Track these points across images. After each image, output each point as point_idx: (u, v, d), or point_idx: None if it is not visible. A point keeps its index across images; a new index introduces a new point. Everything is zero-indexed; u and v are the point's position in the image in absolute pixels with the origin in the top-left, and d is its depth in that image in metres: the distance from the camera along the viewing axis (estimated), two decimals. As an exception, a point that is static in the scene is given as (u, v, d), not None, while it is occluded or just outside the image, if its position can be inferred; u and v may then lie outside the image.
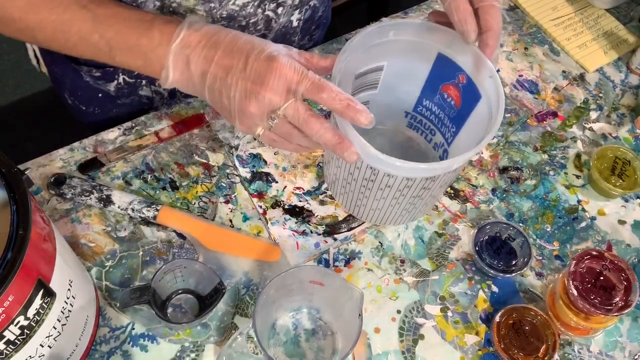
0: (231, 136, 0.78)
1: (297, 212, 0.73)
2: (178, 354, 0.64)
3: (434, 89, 0.70)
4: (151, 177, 0.74)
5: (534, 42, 0.92)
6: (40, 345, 0.49)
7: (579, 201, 0.78)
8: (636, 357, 0.67)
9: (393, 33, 0.65)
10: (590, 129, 0.84)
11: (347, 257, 0.71)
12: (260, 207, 0.73)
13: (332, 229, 0.73)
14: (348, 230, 0.73)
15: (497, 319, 0.66)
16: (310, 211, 0.74)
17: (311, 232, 0.72)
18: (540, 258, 0.73)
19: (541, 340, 0.65)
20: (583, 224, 0.76)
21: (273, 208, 0.73)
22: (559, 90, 0.88)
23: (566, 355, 0.67)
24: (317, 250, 0.71)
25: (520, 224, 0.75)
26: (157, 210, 0.69)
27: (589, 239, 0.75)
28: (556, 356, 0.64)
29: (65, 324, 0.51)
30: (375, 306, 0.68)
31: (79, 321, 0.55)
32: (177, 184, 0.74)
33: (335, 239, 0.72)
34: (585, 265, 0.63)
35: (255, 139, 0.78)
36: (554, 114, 0.85)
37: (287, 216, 0.73)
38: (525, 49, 0.91)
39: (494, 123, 0.59)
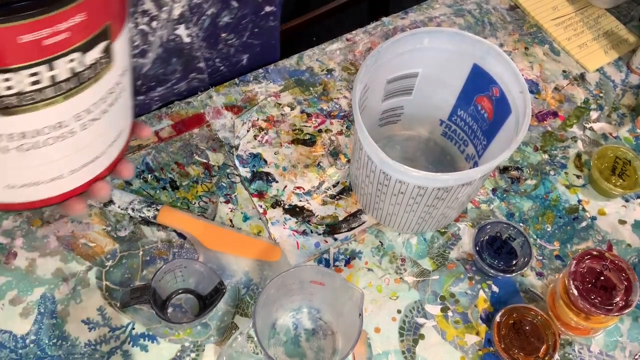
0: (231, 136, 0.78)
1: (297, 212, 0.73)
2: (178, 354, 0.64)
3: (469, 100, 0.70)
4: (151, 176, 0.74)
5: (534, 41, 0.92)
6: (78, 116, 0.41)
7: (579, 201, 0.78)
8: (637, 357, 0.67)
9: (428, 41, 0.65)
10: (591, 129, 0.84)
11: (348, 256, 0.71)
12: (261, 206, 0.73)
13: (332, 228, 0.73)
14: (348, 230, 0.73)
15: (497, 318, 0.66)
16: (311, 211, 0.74)
17: (311, 231, 0.72)
18: (541, 258, 0.73)
19: (541, 340, 0.65)
20: (583, 224, 0.76)
21: (273, 208, 0.73)
22: (559, 90, 0.88)
23: (566, 355, 0.67)
24: (318, 250, 0.71)
25: (521, 224, 0.75)
26: (157, 210, 0.69)
27: (590, 238, 0.75)
28: (556, 356, 0.64)
29: (106, 112, 0.43)
30: (376, 306, 0.68)
31: (114, 126, 0.46)
32: (177, 184, 0.74)
33: (335, 239, 0.72)
34: (585, 265, 0.63)
35: (255, 138, 0.78)
36: (555, 114, 0.85)
37: (287, 216, 0.73)
38: (526, 48, 0.91)
39: (512, 142, 0.59)
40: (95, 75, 0.39)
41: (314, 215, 0.73)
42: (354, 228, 0.73)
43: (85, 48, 0.37)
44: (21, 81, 0.35)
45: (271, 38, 0.84)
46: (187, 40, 0.72)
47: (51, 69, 0.36)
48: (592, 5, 0.98)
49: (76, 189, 0.45)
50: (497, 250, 0.71)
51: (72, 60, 0.36)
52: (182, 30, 0.71)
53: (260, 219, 0.73)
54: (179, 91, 0.81)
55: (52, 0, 0.33)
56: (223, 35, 0.76)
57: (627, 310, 0.60)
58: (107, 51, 0.39)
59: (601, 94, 0.88)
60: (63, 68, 0.36)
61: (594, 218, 0.76)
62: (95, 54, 0.38)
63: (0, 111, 0.36)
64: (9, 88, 0.35)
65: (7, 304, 0.65)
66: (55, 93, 0.37)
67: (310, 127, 0.80)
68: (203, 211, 0.72)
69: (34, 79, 0.35)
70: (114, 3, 0.39)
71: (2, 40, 0.33)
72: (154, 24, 0.68)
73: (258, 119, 0.80)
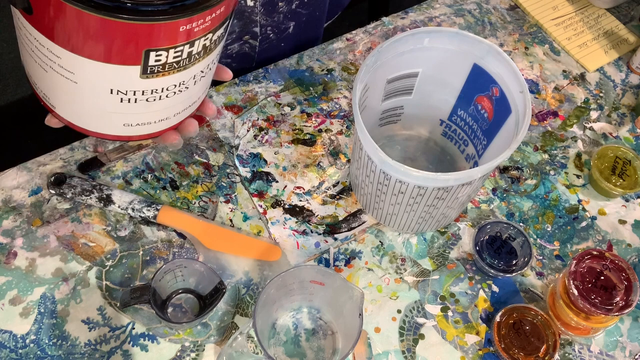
0: (231, 136, 0.78)
1: (297, 212, 0.73)
2: (178, 354, 0.64)
3: (469, 100, 0.70)
4: (151, 176, 0.74)
5: (534, 41, 0.92)
6: (194, 77, 0.49)
7: (579, 201, 0.78)
8: (637, 356, 0.67)
9: (428, 40, 0.65)
10: (591, 129, 0.84)
11: (348, 256, 0.71)
12: (261, 206, 0.73)
13: (332, 228, 0.73)
14: (348, 230, 0.73)
15: (497, 318, 0.66)
16: (311, 211, 0.74)
17: (311, 231, 0.72)
18: (541, 258, 0.73)
19: (542, 340, 0.65)
20: (583, 224, 0.76)
21: (273, 208, 0.73)
22: (559, 90, 0.88)
23: (567, 355, 0.67)
24: (318, 249, 0.71)
25: (521, 224, 0.75)
26: (157, 209, 0.69)
27: (590, 238, 0.75)
28: (557, 356, 0.64)
29: (210, 69, 0.52)
30: (376, 306, 0.68)
31: (200, 90, 0.55)
32: (178, 184, 0.74)
33: (335, 239, 0.72)
34: (585, 265, 0.63)
35: (255, 138, 0.78)
36: (555, 114, 0.85)
37: (288, 216, 0.73)
38: (526, 48, 0.91)
39: (512, 142, 0.59)
40: (215, 46, 0.48)
41: (314, 215, 0.73)
42: (354, 228, 0.73)
43: (216, 29, 0.46)
44: (168, 56, 0.44)
45: (317, 9, 0.88)
46: (250, 3, 0.76)
47: (191, 46, 0.45)
48: (592, 5, 0.98)
49: (173, 126, 0.55)
50: (497, 250, 0.71)
51: (206, 39, 0.45)
52: None
53: (260, 218, 0.73)
54: (230, 53, 0.83)
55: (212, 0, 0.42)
56: (280, 4, 0.80)
57: (627, 310, 0.60)
58: (227, 27, 0.48)
59: (601, 94, 0.88)
60: (199, 45, 0.45)
61: (594, 218, 0.76)
62: (220, 32, 0.47)
63: (143, 75, 0.45)
64: (157, 60, 0.44)
65: (7, 304, 0.65)
66: (187, 63, 0.46)
67: (310, 127, 0.80)
68: (203, 211, 0.72)
69: (177, 54, 0.44)
70: None
71: (168, 29, 0.42)
72: None
73: (258, 118, 0.80)
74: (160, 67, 0.45)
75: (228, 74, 0.60)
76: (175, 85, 0.49)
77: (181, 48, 0.44)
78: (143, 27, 0.41)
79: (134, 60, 0.44)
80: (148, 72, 0.45)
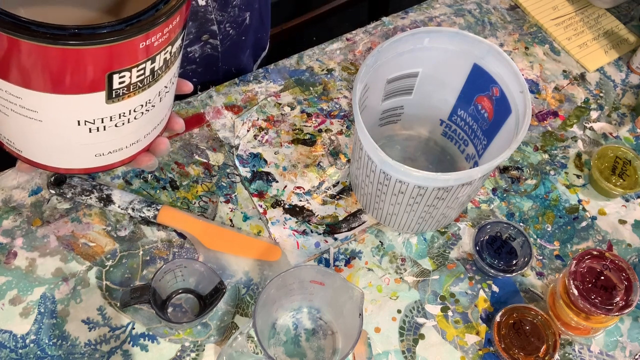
0: (231, 136, 0.78)
1: (297, 212, 0.73)
2: (178, 354, 0.64)
3: (469, 100, 0.70)
4: (151, 176, 0.74)
5: (534, 41, 0.92)
6: (159, 94, 0.49)
7: (579, 201, 0.78)
8: (637, 356, 0.67)
9: (428, 40, 0.65)
10: (591, 129, 0.84)
11: (348, 256, 0.71)
12: (261, 206, 0.73)
13: (332, 228, 0.73)
14: (348, 230, 0.73)
15: (497, 318, 0.66)
16: (311, 211, 0.74)
17: (311, 231, 0.72)
18: (541, 258, 0.73)
19: (542, 340, 0.65)
20: (583, 224, 0.76)
21: (273, 208, 0.73)
22: (559, 90, 0.88)
23: (567, 355, 0.67)
24: (318, 249, 0.71)
25: (521, 224, 0.75)
26: (157, 209, 0.69)
27: (590, 238, 0.75)
28: (557, 356, 0.64)
29: (173, 83, 0.51)
30: (376, 306, 0.68)
31: (165, 106, 0.54)
32: (178, 184, 0.74)
33: (335, 239, 0.72)
34: (585, 265, 0.63)
35: (255, 138, 0.78)
36: (555, 114, 0.85)
37: (288, 216, 0.73)
38: (526, 48, 0.91)
39: (512, 142, 0.59)
40: (175, 59, 0.48)
41: (314, 215, 0.73)
42: (354, 228, 0.73)
43: (174, 41, 0.45)
44: (131, 76, 0.43)
45: None
46: (202, 2, 0.75)
47: (153, 62, 0.44)
48: (592, 5, 0.98)
49: (144, 148, 0.54)
50: (497, 250, 0.71)
51: (166, 52, 0.45)
52: None
53: (260, 218, 0.73)
54: (193, 57, 0.82)
55: (167, 12, 0.41)
56: None
57: (627, 310, 0.60)
58: (184, 37, 0.48)
59: (601, 94, 0.88)
60: (160, 60, 0.45)
61: (594, 218, 0.76)
62: (178, 42, 0.46)
63: (109, 100, 0.44)
64: (121, 82, 0.43)
65: (7, 303, 0.65)
66: (151, 80, 0.46)
67: (310, 127, 0.80)
68: (203, 211, 0.72)
69: (140, 72, 0.44)
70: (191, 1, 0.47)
71: (128, 49, 0.41)
72: None
73: (258, 118, 0.80)
74: (125, 88, 0.44)
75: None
76: (142, 105, 0.48)
77: (143, 65, 0.44)
78: (103, 51, 0.40)
79: (98, 87, 0.43)
80: (113, 96, 0.44)
